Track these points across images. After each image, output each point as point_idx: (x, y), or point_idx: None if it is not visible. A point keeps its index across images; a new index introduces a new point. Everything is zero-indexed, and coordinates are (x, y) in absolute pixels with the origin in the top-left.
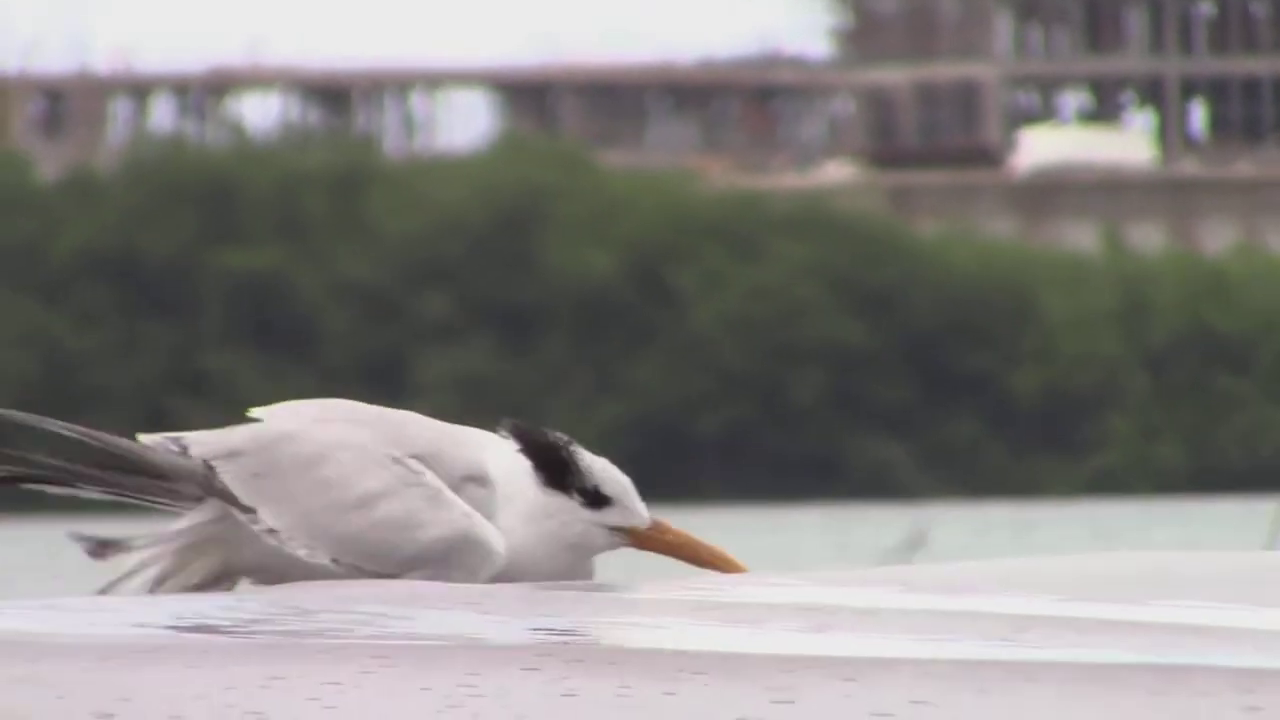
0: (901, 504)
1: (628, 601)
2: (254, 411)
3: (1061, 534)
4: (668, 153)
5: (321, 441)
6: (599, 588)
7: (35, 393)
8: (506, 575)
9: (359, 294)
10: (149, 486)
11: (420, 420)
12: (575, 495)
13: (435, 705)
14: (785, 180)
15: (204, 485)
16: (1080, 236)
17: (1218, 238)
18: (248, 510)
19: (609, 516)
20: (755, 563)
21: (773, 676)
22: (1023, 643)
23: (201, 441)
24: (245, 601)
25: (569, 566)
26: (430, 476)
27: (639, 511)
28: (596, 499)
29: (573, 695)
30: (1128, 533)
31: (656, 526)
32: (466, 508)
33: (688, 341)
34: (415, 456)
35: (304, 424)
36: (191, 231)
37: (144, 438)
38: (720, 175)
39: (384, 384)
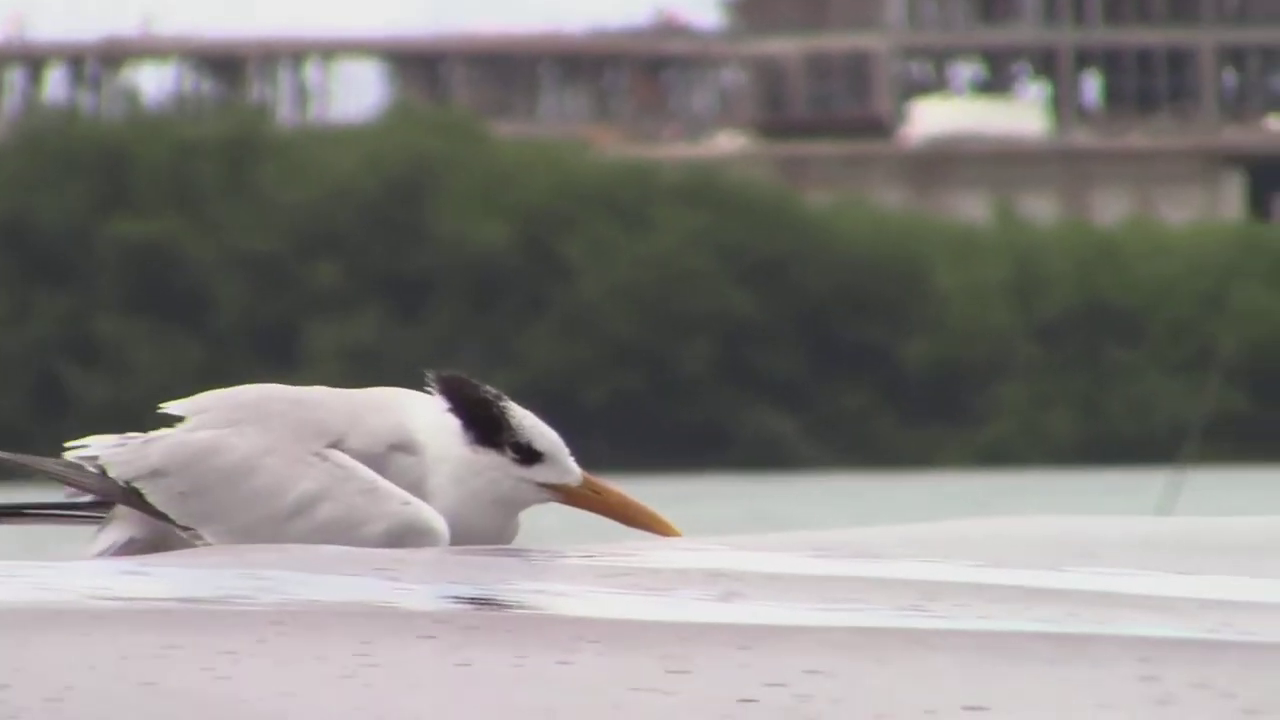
0: (791, 475)
1: (538, 568)
2: (167, 407)
3: (953, 505)
4: (559, 123)
5: (243, 451)
6: (511, 553)
7: None
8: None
9: (251, 263)
10: (84, 506)
11: (337, 396)
12: (506, 451)
13: (330, 674)
14: (676, 150)
15: (136, 506)
16: (972, 207)
17: (1110, 208)
18: (186, 529)
19: (540, 473)
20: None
21: (669, 645)
22: (930, 611)
23: (119, 462)
24: (148, 568)
25: (498, 524)
26: (362, 469)
27: (571, 469)
28: (528, 455)
29: (467, 665)
30: (1019, 503)
31: (589, 484)
32: (404, 495)
33: (577, 311)
34: (338, 439)
35: (220, 432)
36: (85, 200)
37: (70, 448)
38: (611, 145)
39: (275, 353)
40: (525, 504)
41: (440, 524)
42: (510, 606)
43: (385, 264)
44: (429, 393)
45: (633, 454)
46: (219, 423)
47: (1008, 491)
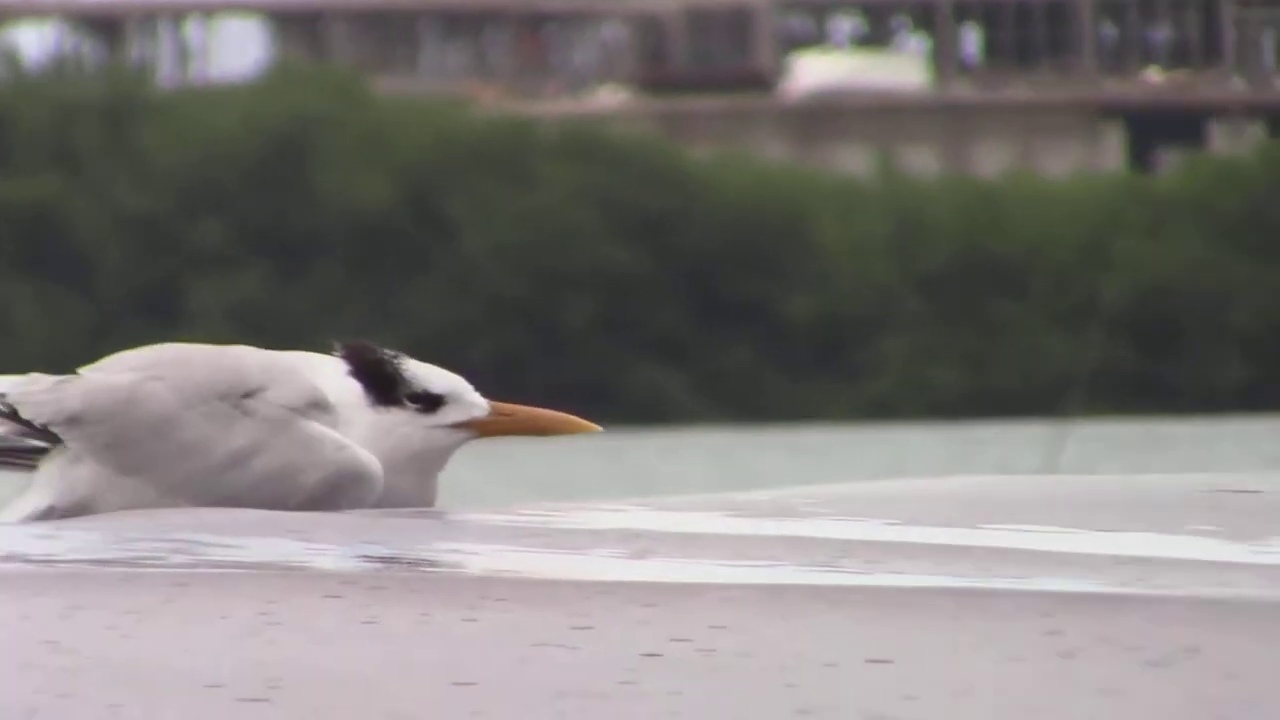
0: (676, 430)
1: (453, 528)
2: (83, 371)
3: (839, 459)
4: (440, 79)
5: (167, 402)
6: (428, 515)
7: None
8: None
9: (134, 223)
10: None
11: (252, 353)
12: (408, 405)
13: (234, 632)
14: (558, 106)
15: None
16: (854, 161)
17: (991, 161)
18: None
19: (447, 415)
20: (530, 493)
21: (575, 603)
22: (842, 568)
23: (33, 403)
24: (60, 531)
25: (419, 482)
26: (293, 419)
27: (476, 401)
28: (429, 401)
29: (372, 622)
30: (905, 457)
31: (497, 410)
32: (337, 440)
33: (460, 268)
34: (258, 392)
35: (140, 378)
36: None
37: None
38: (492, 101)
39: (160, 312)
40: (444, 452)
41: (375, 467)
42: (419, 566)
43: (269, 223)
44: (333, 357)
45: None
46: (136, 368)
47: (893, 445)
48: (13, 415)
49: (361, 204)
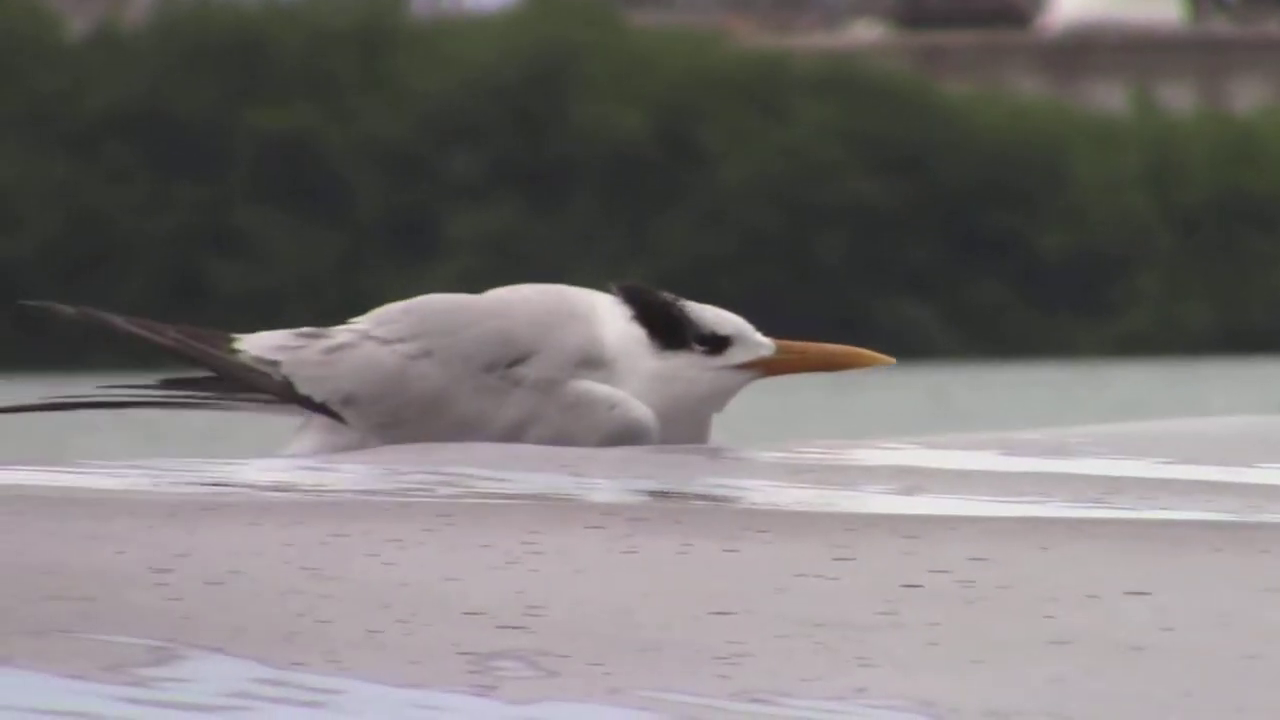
0: (927, 365)
1: (725, 464)
2: (353, 322)
3: (1092, 396)
4: (695, 11)
5: (437, 380)
6: (702, 451)
7: (62, 250)
8: None
9: (388, 153)
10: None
11: (523, 304)
12: (695, 348)
13: (494, 561)
14: (812, 40)
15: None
16: (1110, 97)
17: (1248, 97)
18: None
19: (735, 355)
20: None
21: (836, 534)
22: (1112, 504)
23: (307, 377)
24: (328, 464)
25: (698, 425)
26: (569, 383)
27: (762, 340)
28: (716, 343)
29: (633, 552)
30: (1157, 395)
31: (784, 349)
32: (608, 397)
33: (714, 201)
34: (527, 354)
35: (409, 353)
36: (220, 90)
37: (242, 344)
38: (747, 34)
39: (413, 243)
40: (730, 393)
41: (650, 422)
42: (684, 498)
43: (522, 153)
44: (614, 300)
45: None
46: (404, 336)
47: (1145, 382)
48: (287, 387)
49: (615, 136)
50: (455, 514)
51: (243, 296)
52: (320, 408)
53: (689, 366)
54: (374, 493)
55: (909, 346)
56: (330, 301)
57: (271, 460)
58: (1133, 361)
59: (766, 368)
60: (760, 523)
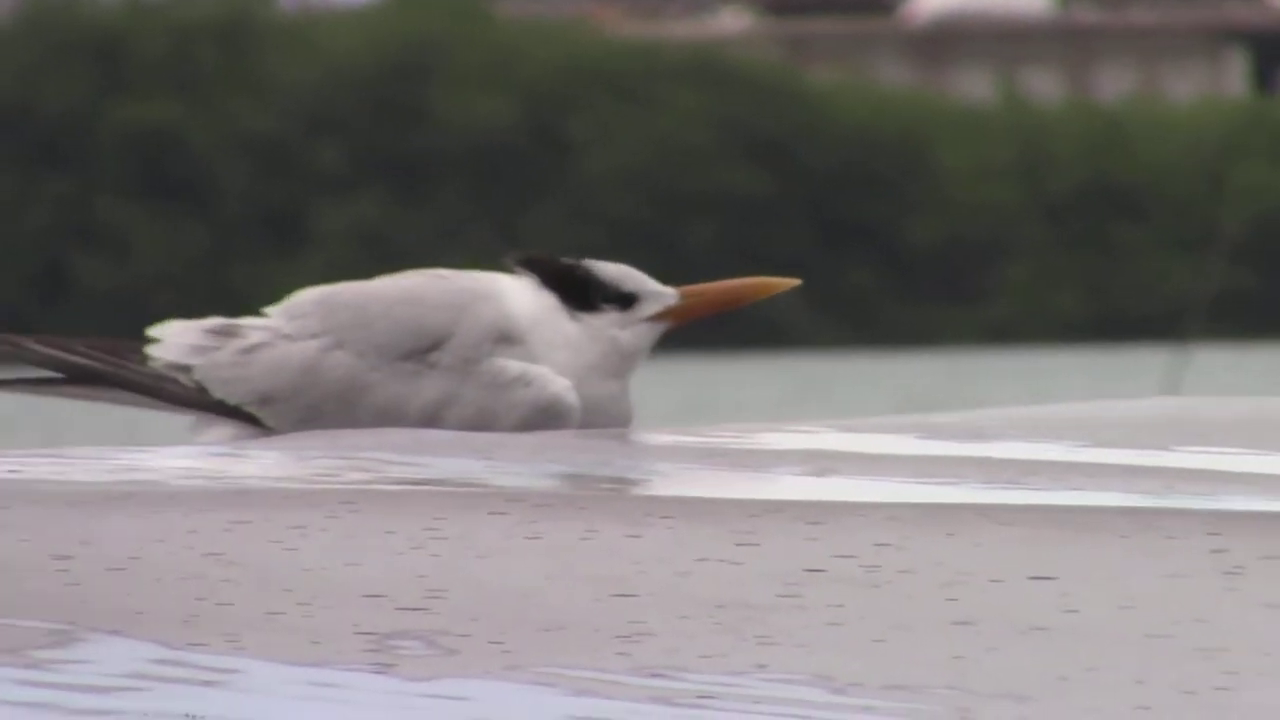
0: (796, 354)
1: (631, 447)
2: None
3: (959, 384)
4: (562, 1)
5: (351, 370)
6: (613, 436)
7: None
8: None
9: (253, 146)
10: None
11: (433, 288)
12: (607, 307)
13: (396, 547)
14: (680, 29)
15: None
16: (976, 86)
17: (1114, 86)
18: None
19: (644, 309)
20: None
21: (740, 521)
22: (1026, 485)
23: (220, 380)
24: (235, 451)
25: (621, 386)
26: (485, 362)
27: (665, 289)
28: (627, 300)
29: (536, 538)
30: (1025, 381)
31: (686, 294)
32: (527, 373)
33: (582, 191)
34: (443, 338)
35: (321, 345)
36: (85, 85)
37: (154, 350)
38: (614, 23)
39: (280, 235)
40: (645, 349)
41: (569, 396)
42: (589, 484)
43: (390, 145)
44: (518, 274)
45: None
46: (316, 331)
47: (1013, 370)
48: (201, 394)
49: (483, 126)
50: (359, 500)
51: (109, 291)
52: (235, 412)
53: (606, 326)
54: (281, 479)
55: (779, 335)
56: (197, 295)
57: (179, 448)
58: (1001, 349)
59: (676, 315)
60: (664, 508)
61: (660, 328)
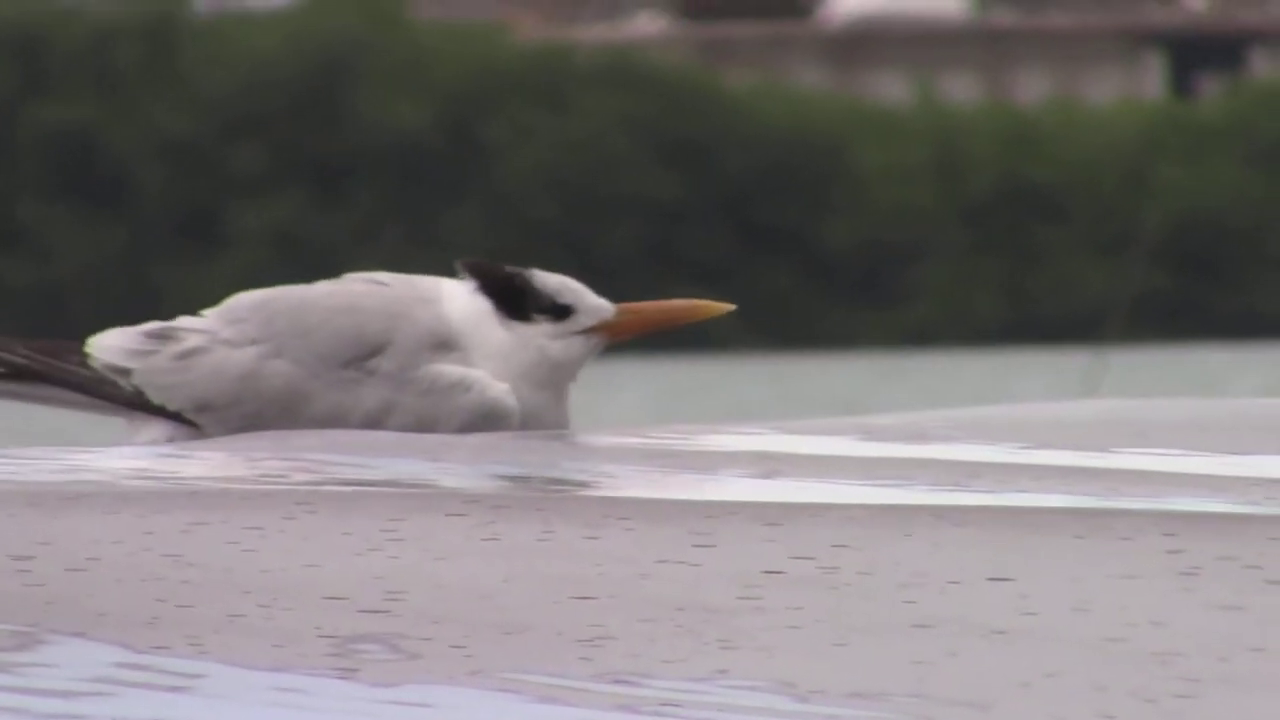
0: (716, 357)
1: (582, 450)
2: (203, 314)
3: (879, 386)
4: (477, 4)
5: (290, 376)
6: (559, 437)
7: None
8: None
9: (172, 147)
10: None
11: (371, 295)
12: (540, 318)
13: (354, 548)
14: (595, 32)
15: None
16: (893, 89)
17: (1032, 88)
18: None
19: (579, 321)
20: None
21: (697, 521)
22: (972, 488)
23: (159, 385)
24: (185, 452)
25: (556, 395)
26: (424, 368)
27: (602, 304)
28: (561, 311)
29: (494, 539)
30: (945, 384)
31: (623, 310)
32: (466, 379)
33: (498, 194)
34: (381, 345)
35: (261, 353)
36: (4, 86)
37: (92, 350)
38: (530, 27)
39: (198, 236)
40: (580, 360)
41: (507, 400)
42: (544, 486)
43: (307, 147)
44: (458, 279)
45: None
46: (256, 337)
47: (932, 372)
48: (139, 398)
49: (399, 129)
50: (315, 502)
51: (28, 290)
52: (175, 416)
53: (537, 335)
54: (232, 480)
55: (698, 339)
56: (116, 295)
57: (126, 448)
58: (921, 352)
59: (610, 331)
60: (621, 510)
61: (595, 342)
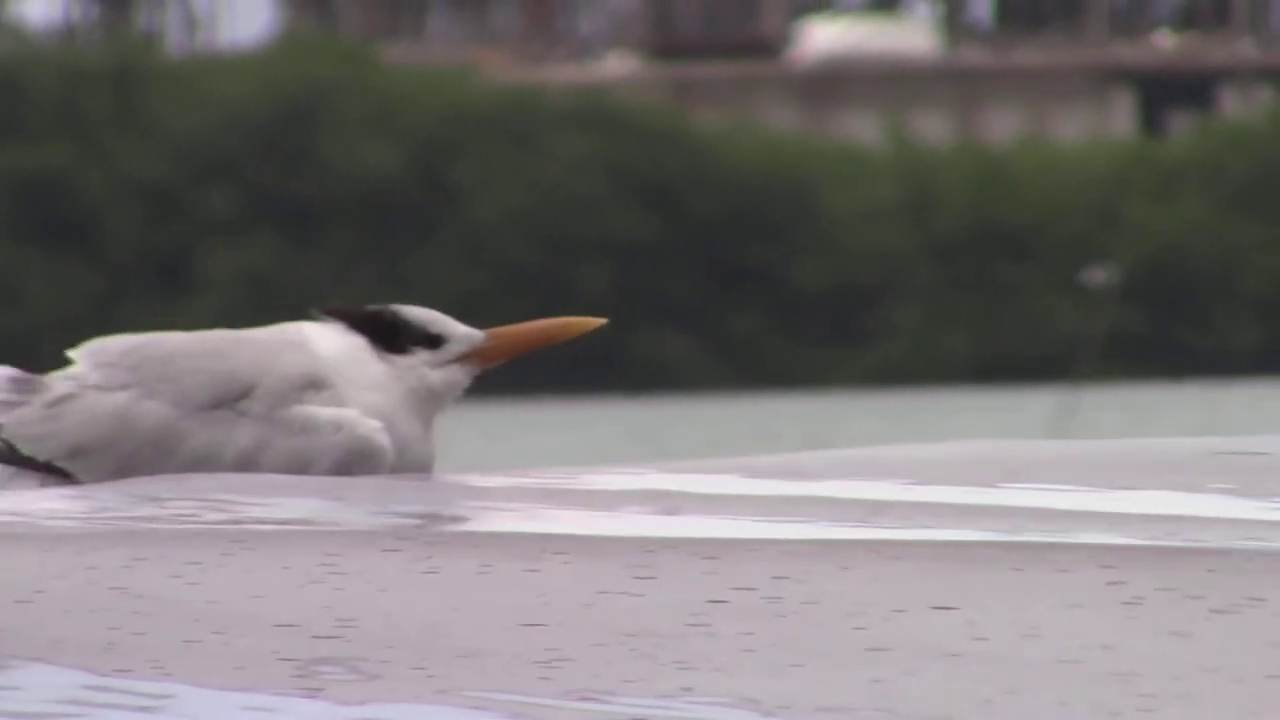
0: (687, 397)
1: (470, 491)
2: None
3: (850, 425)
4: (447, 46)
5: (163, 416)
6: (445, 479)
7: None
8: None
9: (143, 191)
10: None
11: (240, 342)
12: (414, 350)
13: (296, 581)
14: (565, 73)
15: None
16: (864, 128)
17: (1002, 127)
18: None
19: (451, 350)
20: (551, 458)
21: (633, 555)
22: (878, 524)
23: (30, 436)
24: (96, 491)
25: (428, 424)
26: (294, 409)
27: (471, 331)
28: (433, 341)
29: (435, 572)
30: (914, 423)
31: (493, 336)
32: (337, 418)
33: (469, 236)
34: (251, 388)
35: (131, 396)
36: None
37: None
38: (499, 68)
39: (169, 281)
40: (456, 389)
41: (379, 438)
42: (467, 522)
43: (278, 190)
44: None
45: (528, 377)
46: (126, 382)
47: (903, 412)
48: (10, 451)
49: (370, 172)
50: (249, 539)
51: None
52: (45, 467)
53: (417, 365)
54: (157, 519)
55: (669, 379)
56: (88, 339)
57: (29, 493)
58: (891, 391)
59: (483, 356)
60: (556, 545)
61: (470, 369)
